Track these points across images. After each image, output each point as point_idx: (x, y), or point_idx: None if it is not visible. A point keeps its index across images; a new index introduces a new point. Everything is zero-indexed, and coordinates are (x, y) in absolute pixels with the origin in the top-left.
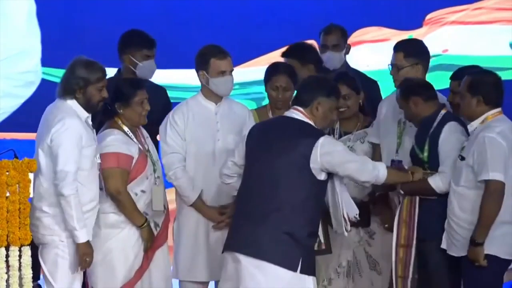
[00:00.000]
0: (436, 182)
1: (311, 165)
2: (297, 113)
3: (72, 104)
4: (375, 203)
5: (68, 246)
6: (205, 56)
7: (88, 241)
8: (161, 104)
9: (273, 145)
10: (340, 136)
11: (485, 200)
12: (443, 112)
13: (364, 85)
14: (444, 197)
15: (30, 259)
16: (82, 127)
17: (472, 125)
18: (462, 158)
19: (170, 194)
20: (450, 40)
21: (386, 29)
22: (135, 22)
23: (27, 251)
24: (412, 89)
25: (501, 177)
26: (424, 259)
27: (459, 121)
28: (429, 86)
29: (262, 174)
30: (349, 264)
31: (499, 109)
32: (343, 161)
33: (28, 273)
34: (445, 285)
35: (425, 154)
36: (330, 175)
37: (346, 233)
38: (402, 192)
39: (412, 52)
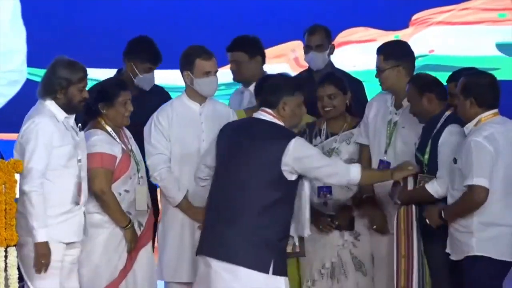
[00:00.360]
0: (434, 188)
1: (282, 168)
2: (265, 115)
3: (50, 104)
4: (362, 205)
5: None
6: (190, 56)
7: (46, 242)
8: (160, 103)
9: (243, 147)
10: (327, 137)
11: (465, 198)
12: (447, 113)
13: (350, 85)
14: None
15: (16, 259)
16: (54, 126)
17: (467, 128)
18: (455, 161)
19: None
20: (436, 41)
21: (373, 29)
22: (122, 22)
23: (13, 252)
24: (429, 85)
25: (485, 183)
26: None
27: (462, 123)
28: (443, 86)
29: (232, 176)
30: (333, 266)
31: (494, 111)
32: (315, 165)
33: (14, 273)
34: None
35: (426, 156)
36: (300, 176)
37: (306, 235)
38: (398, 202)
39: (392, 55)
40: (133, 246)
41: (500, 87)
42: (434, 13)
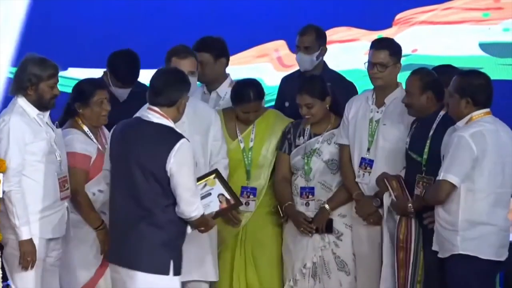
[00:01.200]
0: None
1: (167, 170)
2: (154, 114)
3: (21, 101)
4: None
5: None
6: (168, 54)
7: (30, 239)
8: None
9: (132, 151)
10: (309, 138)
11: (430, 192)
12: (442, 113)
13: (341, 86)
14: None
15: (0, 259)
16: (25, 124)
17: (458, 126)
18: (443, 158)
19: None
20: (419, 40)
21: (356, 29)
22: (108, 23)
23: None
24: (434, 84)
25: (455, 180)
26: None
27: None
28: (443, 86)
29: (124, 182)
30: (315, 265)
31: (486, 110)
32: (182, 181)
33: None
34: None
35: (425, 157)
36: None
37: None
38: (412, 210)
39: (396, 51)
40: (106, 247)
41: (493, 87)
42: (417, 13)
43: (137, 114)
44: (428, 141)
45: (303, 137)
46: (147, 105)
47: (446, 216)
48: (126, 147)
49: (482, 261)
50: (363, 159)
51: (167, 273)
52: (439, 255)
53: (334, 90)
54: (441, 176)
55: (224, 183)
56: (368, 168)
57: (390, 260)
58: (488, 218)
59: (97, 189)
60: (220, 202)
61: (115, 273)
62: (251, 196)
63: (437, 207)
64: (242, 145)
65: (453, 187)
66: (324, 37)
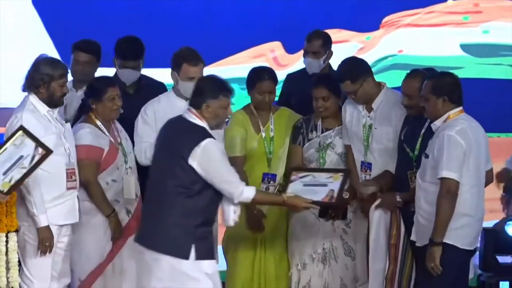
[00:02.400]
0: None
1: (190, 161)
2: (190, 114)
3: (32, 99)
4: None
5: (33, 232)
6: (179, 59)
7: (48, 226)
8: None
9: (166, 144)
10: (322, 132)
11: (440, 199)
12: None
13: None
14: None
15: (16, 244)
16: (35, 119)
17: (435, 124)
18: (426, 156)
19: None
20: (405, 41)
21: (346, 31)
22: (119, 25)
23: (13, 237)
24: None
25: (455, 176)
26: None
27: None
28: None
29: (155, 170)
30: (325, 251)
31: (460, 108)
32: (214, 175)
33: (14, 257)
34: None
35: (416, 153)
36: None
37: (229, 225)
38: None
39: (356, 76)
40: (117, 234)
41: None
42: (403, 16)
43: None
44: (420, 139)
45: (316, 132)
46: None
47: (429, 208)
48: (165, 138)
49: (460, 250)
50: (362, 163)
51: (187, 257)
52: (418, 244)
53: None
54: (442, 174)
55: (343, 185)
56: (368, 171)
57: (379, 265)
58: (470, 209)
59: (111, 179)
60: (326, 195)
61: (140, 254)
62: (271, 182)
63: (419, 199)
64: (263, 135)
65: (456, 182)
66: (330, 42)
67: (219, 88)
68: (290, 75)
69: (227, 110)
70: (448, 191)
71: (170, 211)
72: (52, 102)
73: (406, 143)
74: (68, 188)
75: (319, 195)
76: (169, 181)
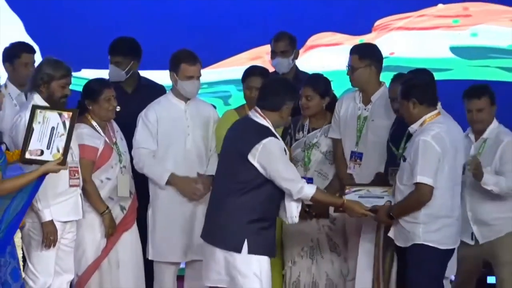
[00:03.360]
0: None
1: (253, 163)
2: (256, 114)
3: (37, 98)
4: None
5: (38, 228)
6: (177, 60)
7: (52, 221)
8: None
9: (232, 143)
10: (308, 132)
11: (411, 197)
12: None
13: None
14: None
15: (20, 240)
16: None
17: (412, 128)
18: (404, 159)
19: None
20: (396, 44)
21: (340, 34)
22: (116, 27)
23: (17, 233)
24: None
25: (429, 181)
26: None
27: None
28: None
29: (220, 167)
30: (311, 248)
31: (436, 111)
32: (275, 174)
33: (18, 253)
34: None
35: (401, 151)
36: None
37: (295, 220)
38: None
39: (366, 55)
40: (110, 230)
41: (435, 83)
42: (395, 19)
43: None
44: (405, 138)
45: (303, 132)
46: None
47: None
48: (231, 139)
49: (440, 250)
50: (352, 152)
51: (239, 251)
52: (399, 244)
53: (335, 95)
54: (417, 179)
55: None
56: (358, 160)
57: (367, 260)
58: (446, 211)
59: (105, 177)
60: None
61: (204, 249)
62: None
63: (397, 201)
64: None
65: (430, 187)
66: (295, 41)
67: (293, 91)
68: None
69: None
70: (422, 195)
71: (227, 206)
72: (53, 102)
73: (392, 142)
74: (71, 186)
75: (378, 204)
76: (229, 177)
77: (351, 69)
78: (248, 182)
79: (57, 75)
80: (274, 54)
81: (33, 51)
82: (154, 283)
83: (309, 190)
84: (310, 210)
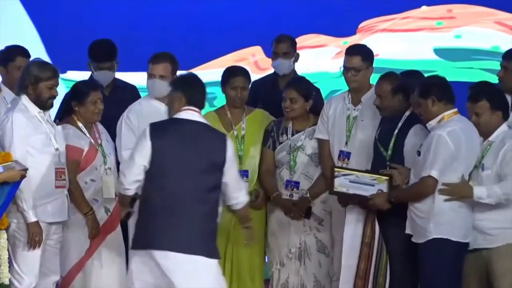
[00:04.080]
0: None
1: (223, 161)
2: (195, 114)
3: (24, 100)
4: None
5: (23, 229)
6: (149, 59)
7: (37, 221)
8: (131, 101)
9: (186, 144)
10: (292, 134)
11: (415, 187)
12: (407, 113)
13: None
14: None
15: (6, 242)
16: (26, 119)
17: (430, 124)
18: (419, 154)
19: None
20: (381, 46)
21: (324, 36)
22: (105, 29)
23: (3, 235)
24: (403, 86)
25: (435, 174)
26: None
27: (422, 122)
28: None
29: (179, 176)
30: (300, 249)
31: (455, 109)
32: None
33: (4, 254)
34: (405, 271)
35: (389, 153)
36: None
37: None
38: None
39: (367, 56)
40: (94, 231)
41: (451, 86)
42: (379, 21)
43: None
44: (393, 139)
45: (286, 135)
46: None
47: (422, 205)
48: (179, 141)
49: (453, 242)
50: (341, 151)
51: (218, 257)
52: (413, 239)
53: (317, 99)
54: (427, 173)
55: (389, 188)
56: (346, 159)
57: (351, 261)
58: (458, 206)
59: (89, 178)
60: (376, 194)
61: (164, 260)
62: (244, 178)
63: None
64: (235, 133)
65: (435, 181)
66: (296, 44)
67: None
68: (256, 81)
69: None
70: (426, 187)
71: (201, 212)
72: (40, 103)
73: (380, 143)
74: (57, 187)
75: (369, 192)
76: (196, 182)
77: (354, 71)
78: (218, 181)
79: (44, 76)
80: (275, 55)
81: (28, 56)
82: None
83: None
84: (294, 211)
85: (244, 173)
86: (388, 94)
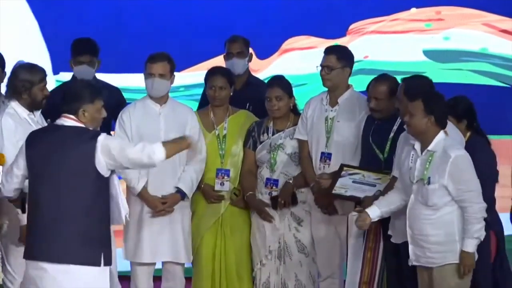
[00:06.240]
0: None
1: (97, 166)
2: (68, 121)
3: (14, 104)
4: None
5: (15, 230)
6: (146, 59)
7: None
8: (114, 103)
9: (56, 153)
10: (273, 134)
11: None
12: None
13: (264, 90)
14: None
15: None
16: (16, 123)
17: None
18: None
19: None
20: (370, 48)
21: (314, 37)
22: (98, 30)
23: None
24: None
25: (395, 173)
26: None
27: None
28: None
29: (50, 182)
30: (279, 248)
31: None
32: (121, 151)
33: None
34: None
35: (385, 156)
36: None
37: (124, 222)
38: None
39: (343, 56)
40: None
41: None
42: (368, 23)
43: None
44: (389, 142)
45: (267, 134)
46: None
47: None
48: (48, 149)
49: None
50: (322, 153)
51: (99, 264)
52: (393, 240)
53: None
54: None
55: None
56: (327, 160)
57: (357, 256)
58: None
59: None
60: (374, 195)
61: (37, 270)
62: (225, 177)
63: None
64: (217, 133)
65: (393, 178)
66: (249, 44)
67: (91, 93)
68: None
69: (103, 111)
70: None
71: (81, 222)
72: (35, 105)
73: (376, 145)
74: None
75: (367, 193)
76: (74, 192)
77: (328, 69)
78: (100, 190)
79: (36, 80)
80: (229, 56)
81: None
82: (131, 283)
83: (159, 147)
84: (279, 198)
85: (225, 172)
86: (385, 96)
